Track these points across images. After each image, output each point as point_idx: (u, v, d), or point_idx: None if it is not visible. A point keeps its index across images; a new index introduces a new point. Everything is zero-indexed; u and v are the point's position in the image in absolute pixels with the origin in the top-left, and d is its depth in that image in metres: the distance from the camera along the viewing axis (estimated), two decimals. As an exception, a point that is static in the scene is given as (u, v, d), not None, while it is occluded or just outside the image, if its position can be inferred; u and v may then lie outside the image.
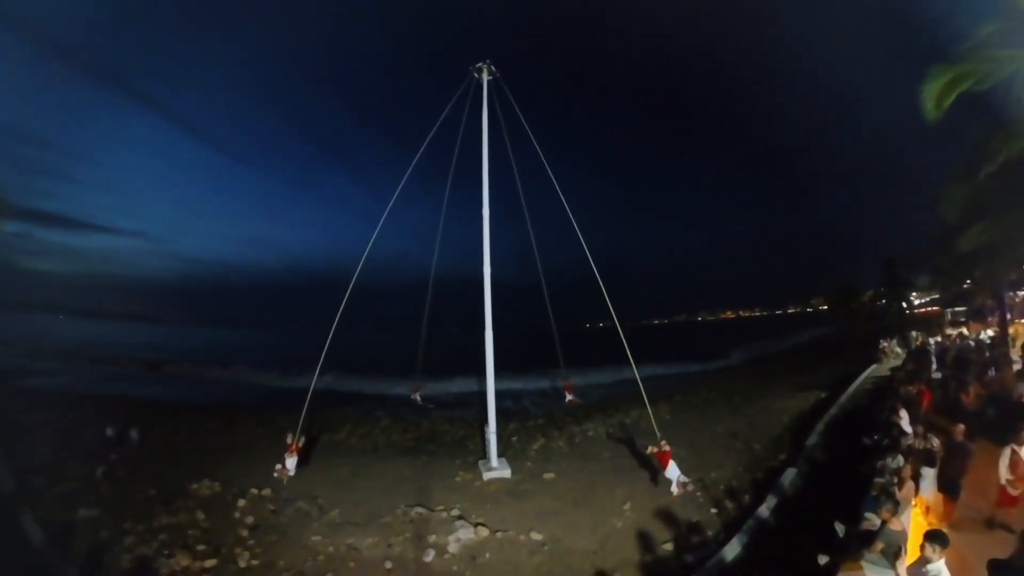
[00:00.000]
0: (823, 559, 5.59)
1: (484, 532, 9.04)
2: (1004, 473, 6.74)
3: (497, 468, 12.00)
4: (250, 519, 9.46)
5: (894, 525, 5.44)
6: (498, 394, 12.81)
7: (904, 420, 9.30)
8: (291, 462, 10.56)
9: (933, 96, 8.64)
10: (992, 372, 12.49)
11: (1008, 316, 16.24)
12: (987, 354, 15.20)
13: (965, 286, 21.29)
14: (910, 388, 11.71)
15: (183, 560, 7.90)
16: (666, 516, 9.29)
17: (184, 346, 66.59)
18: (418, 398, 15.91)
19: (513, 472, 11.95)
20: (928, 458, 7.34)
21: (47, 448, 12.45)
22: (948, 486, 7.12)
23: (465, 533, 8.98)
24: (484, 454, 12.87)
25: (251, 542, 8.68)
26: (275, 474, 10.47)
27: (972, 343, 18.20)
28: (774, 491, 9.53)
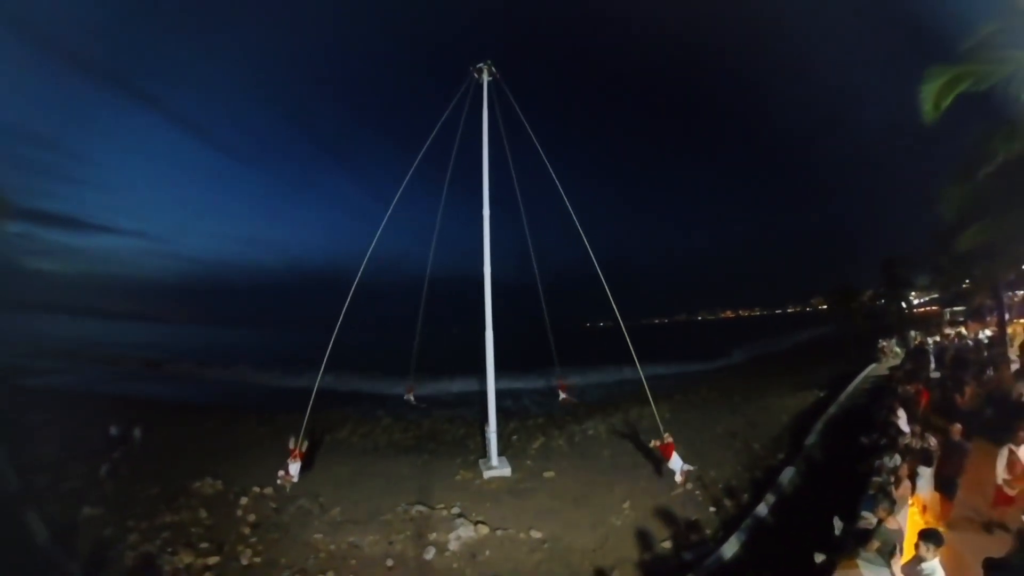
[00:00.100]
0: (819, 557, 5.64)
1: (484, 530, 9.10)
2: (1001, 473, 6.76)
3: (497, 467, 12.06)
4: (252, 517, 9.52)
5: (890, 524, 5.50)
6: (498, 393, 12.88)
7: (902, 419, 9.36)
8: (294, 468, 10.27)
9: (931, 97, 8.67)
10: (990, 372, 12.54)
11: (1006, 316, 16.28)
12: (985, 354, 15.26)
13: (964, 286, 21.33)
14: (908, 388, 11.77)
15: (186, 557, 7.96)
16: (665, 515, 9.35)
17: (185, 345, 66.69)
18: (412, 398, 15.93)
19: (513, 471, 12.01)
20: (925, 457, 7.40)
21: (51, 447, 12.51)
22: (945, 485, 7.17)
23: (465, 531, 9.03)
24: (484, 453, 12.93)
25: (253, 540, 8.75)
26: (278, 481, 10.26)
27: (970, 343, 18.26)
28: (773, 490, 9.58)
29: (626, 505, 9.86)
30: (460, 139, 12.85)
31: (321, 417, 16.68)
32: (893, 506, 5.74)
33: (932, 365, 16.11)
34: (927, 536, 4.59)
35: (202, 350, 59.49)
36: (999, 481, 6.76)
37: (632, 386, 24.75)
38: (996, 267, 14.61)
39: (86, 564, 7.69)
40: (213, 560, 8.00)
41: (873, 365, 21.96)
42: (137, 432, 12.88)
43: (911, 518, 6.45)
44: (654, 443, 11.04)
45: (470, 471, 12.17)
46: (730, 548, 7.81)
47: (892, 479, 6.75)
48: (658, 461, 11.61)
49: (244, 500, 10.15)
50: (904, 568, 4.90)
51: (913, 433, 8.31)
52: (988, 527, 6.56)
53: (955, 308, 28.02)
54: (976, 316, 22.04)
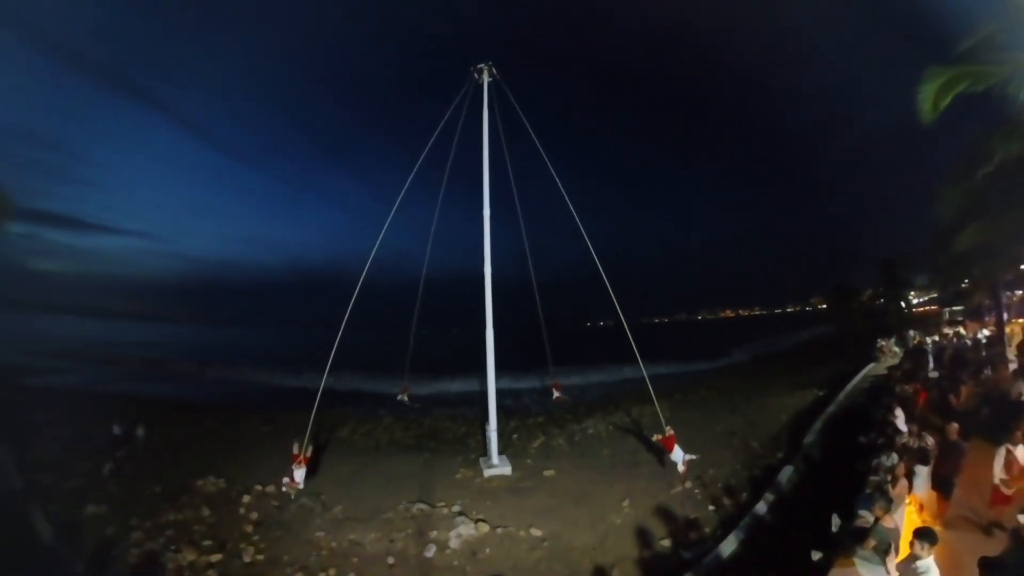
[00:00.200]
0: (817, 555, 5.70)
1: (485, 528, 9.16)
2: (998, 472, 6.79)
3: (498, 465, 12.12)
4: (255, 515, 9.58)
5: (887, 522, 5.54)
6: (499, 392, 12.94)
7: (900, 419, 9.40)
8: (299, 474, 9.92)
9: (929, 97, 8.72)
10: (988, 371, 12.59)
11: (1005, 315, 16.33)
12: (983, 353, 15.30)
13: (963, 286, 21.36)
14: (906, 387, 11.82)
15: (189, 555, 8.02)
16: (664, 513, 9.41)
17: (187, 345, 66.85)
18: (406, 398, 15.90)
19: (514, 469, 12.07)
20: (922, 456, 7.43)
21: (55, 446, 12.58)
22: (941, 484, 7.19)
23: (466, 529, 9.10)
24: (485, 451, 12.98)
25: (256, 537, 8.82)
26: (284, 488, 9.98)
27: (969, 342, 18.30)
28: (771, 489, 9.63)
29: (625, 503, 9.93)
30: (460, 140, 12.91)
31: (323, 416, 16.76)
32: (890, 505, 5.79)
33: (931, 365, 16.16)
34: (922, 535, 4.64)
35: (204, 350, 59.63)
36: (996, 481, 6.79)
37: (632, 385, 24.82)
38: (995, 267, 14.64)
39: (90, 562, 7.76)
40: (216, 558, 8.07)
41: (872, 364, 22.01)
42: (140, 431, 12.95)
43: (908, 517, 6.48)
44: (656, 437, 11.35)
45: (471, 469, 12.24)
46: (728, 546, 7.86)
47: (889, 478, 6.78)
48: (659, 459, 11.89)
49: (246, 498, 10.22)
50: (899, 566, 4.95)
51: (911, 432, 8.35)
52: (986, 527, 6.55)
53: (954, 308, 28.06)
54: (975, 316, 22.07)
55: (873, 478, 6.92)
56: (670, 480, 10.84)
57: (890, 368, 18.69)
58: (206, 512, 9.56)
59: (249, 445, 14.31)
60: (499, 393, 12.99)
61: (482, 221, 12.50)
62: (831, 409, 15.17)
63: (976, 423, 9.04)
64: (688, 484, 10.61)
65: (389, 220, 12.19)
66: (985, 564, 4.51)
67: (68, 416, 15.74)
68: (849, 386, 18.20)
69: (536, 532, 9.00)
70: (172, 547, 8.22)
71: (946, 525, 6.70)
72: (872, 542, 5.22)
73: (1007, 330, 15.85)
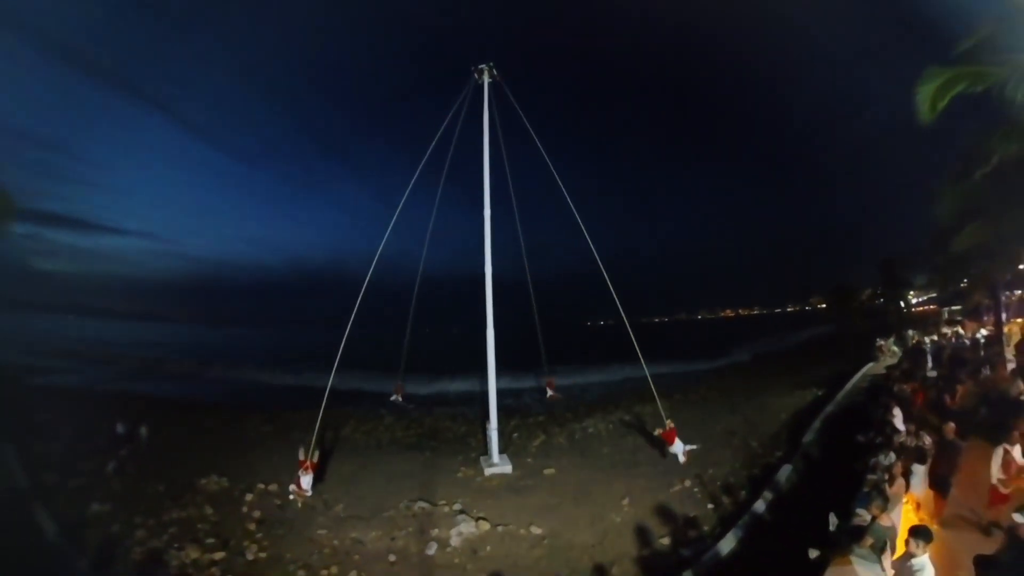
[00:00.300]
0: (814, 553, 5.74)
1: (485, 526, 9.23)
2: (996, 472, 6.80)
3: (498, 464, 12.19)
4: (257, 513, 9.64)
5: (884, 521, 5.58)
6: (499, 392, 13.01)
7: (898, 418, 9.45)
8: (306, 480, 9.64)
9: (928, 98, 8.75)
10: (986, 371, 12.65)
11: (1004, 315, 16.37)
12: (982, 353, 15.36)
13: (962, 285, 21.40)
14: (904, 387, 11.88)
15: (193, 553, 8.08)
16: (664, 511, 9.47)
17: (190, 344, 66.96)
18: (399, 398, 15.87)
19: (514, 468, 12.14)
20: (919, 456, 7.49)
21: (59, 445, 12.63)
22: (939, 483, 7.23)
23: (467, 527, 9.16)
24: (486, 450, 13.05)
25: (259, 535, 8.88)
26: (291, 496, 9.78)
27: (967, 342, 18.36)
28: (770, 487, 9.69)
29: (625, 502, 9.98)
30: (460, 140, 12.96)
31: (325, 415, 16.83)
32: (887, 504, 5.84)
33: (929, 364, 16.22)
34: (917, 533, 4.67)
35: (205, 349, 59.76)
36: (994, 481, 6.79)
37: (632, 384, 24.89)
38: (993, 267, 14.69)
39: (94, 560, 7.81)
40: (219, 555, 8.12)
41: (871, 364, 22.05)
42: (143, 430, 13.01)
43: (905, 515, 6.50)
44: (658, 431, 11.64)
45: (471, 468, 12.31)
46: (727, 544, 7.91)
47: (887, 477, 6.83)
48: (658, 458, 12.07)
49: (249, 497, 10.28)
50: (895, 564, 5.00)
51: (908, 432, 8.41)
52: (985, 527, 6.51)
53: (953, 307, 28.08)
54: (973, 315, 22.09)
55: (871, 477, 6.97)
56: (670, 479, 10.91)
57: (889, 368, 18.75)
58: (209, 510, 9.62)
59: (251, 444, 14.40)
60: (500, 392, 13.06)
61: (482, 221, 12.56)
62: (830, 408, 15.22)
63: (974, 423, 9.08)
64: (687, 483, 10.68)
65: (394, 221, 12.17)
66: (981, 562, 4.55)
67: (71, 415, 15.78)
68: (848, 385, 18.25)
69: (536, 530, 9.06)
70: (175, 545, 8.28)
71: (943, 524, 6.72)
72: (869, 540, 5.27)
73: (1005, 330, 15.88)
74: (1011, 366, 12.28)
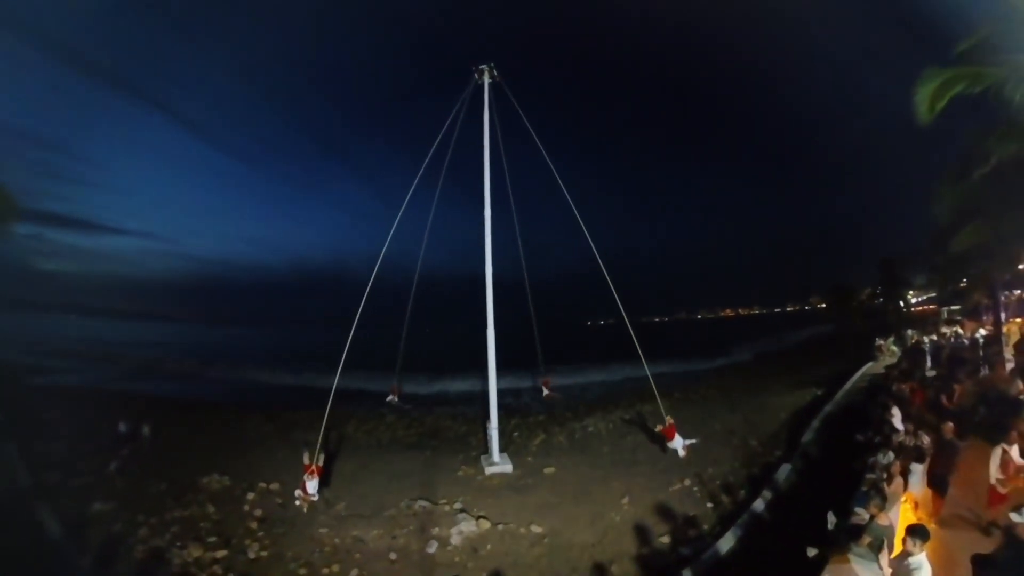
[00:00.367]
0: (812, 552, 5.79)
1: (486, 525, 9.27)
2: (994, 472, 6.81)
3: (499, 463, 12.23)
4: (259, 512, 9.69)
5: (882, 520, 5.61)
6: (500, 391, 13.06)
7: (896, 418, 9.49)
8: (312, 485, 9.35)
9: (926, 99, 8.80)
10: (985, 370, 12.68)
11: (1002, 315, 16.41)
12: (981, 352, 15.39)
13: (961, 285, 21.44)
14: (903, 386, 11.92)
15: (195, 551, 8.12)
16: (663, 510, 9.51)
17: (191, 344, 67.06)
18: (396, 399, 15.83)
19: (514, 467, 12.18)
20: (918, 455, 7.53)
21: (62, 444, 12.68)
22: (937, 482, 7.25)
23: (467, 526, 9.21)
24: (486, 449, 13.09)
25: (260, 534, 8.92)
26: (297, 502, 9.46)
27: (966, 342, 18.39)
28: (769, 486, 9.74)
29: (625, 501, 10.03)
30: (460, 140, 12.97)
31: (326, 415, 16.89)
32: (885, 503, 5.87)
33: (928, 364, 16.26)
34: (914, 531, 4.70)
35: (207, 349, 59.85)
36: (992, 481, 6.80)
37: (632, 384, 24.95)
38: (992, 266, 14.73)
39: (97, 558, 7.85)
40: (221, 554, 8.16)
41: (870, 364, 22.11)
42: (146, 429, 13.04)
43: (903, 514, 6.52)
44: (658, 427, 11.87)
45: (472, 467, 12.36)
46: (726, 543, 7.96)
47: (885, 476, 6.87)
48: (658, 457, 12.20)
49: (251, 495, 10.33)
50: (892, 562, 5.04)
51: (907, 431, 8.44)
52: (984, 528, 6.46)
53: (952, 307, 28.12)
54: (973, 315, 22.13)
55: (869, 476, 7.00)
56: (669, 478, 10.96)
57: (888, 367, 18.80)
58: (211, 509, 9.66)
59: (252, 443, 14.44)
60: (500, 392, 13.11)
61: (482, 221, 12.59)
62: (829, 408, 15.27)
63: (973, 422, 9.12)
64: (687, 482, 10.73)
65: (397, 221, 12.03)
66: (978, 561, 4.59)
67: (74, 415, 15.86)
68: (847, 385, 18.31)
69: (536, 529, 9.10)
70: (178, 543, 8.31)
71: (941, 523, 6.74)
72: (867, 539, 5.30)
73: (1004, 329, 15.92)
74: (1010, 366, 12.31)
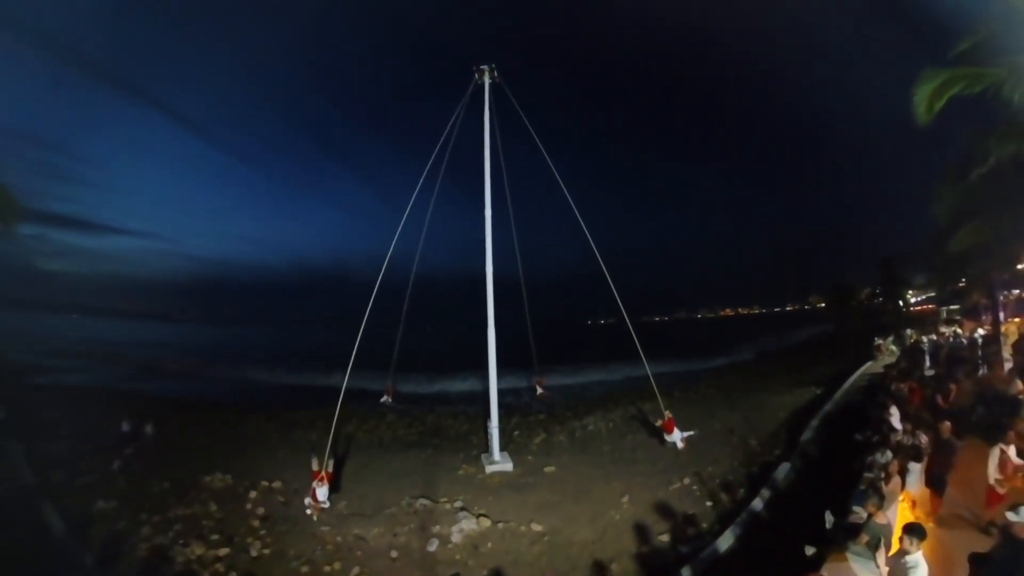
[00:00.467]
0: (810, 550, 5.83)
1: (486, 523, 9.33)
2: (992, 472, 6.81)
3: (499, 462, 12.28)
4: (261, 510, 9.74)
5: (879, 519, 5.66)
6: (500, 390, 13.09)
7: (895, 417, 9.54)
8: (322, 492, 9.01)
9: (924, 99, 8.81)
10: (984, 370, 12.71)
11: (1001, 315, 16.44)
12: (979, 352, 15.42)
13: (960, 285, 21.46)
14: (902, 386, 11.97)
15: (197, 549, 8.18)
16: (663, 509, 9.57)
17: (193, 344, 67.16)
18: (390, 399, 15.74)
19: (515, 465, 12.23)
20: (915, 454, 7.58)
21: (65, 443, 12.75)
22: (934, 482, 7.28)
23: (468, 524, 9.27)
24: (487, 448, 13.14)
25: (262, 532, 8.98)
26: (307, 511, 9.14)
27: (965, 341, 18.42)
28: (768, 485, 9.79)
29: (625, 499, 10.08)
30: (460, 141, 13.00)
31: (327, 414, 16.95)
32: (883, 501, 5.91)
33: (927, 363, 16.29)
34: (911, 530, 4.74)
35: (208, 348, 59.94)
36: (991, 481, 6.81)
37: (632, 383, 25.01)
38: (991, 266, 14.73)
39: (100, 556, 7.91)
40: (223, 552, 8.22)
41: (869, 363, 22.14)
42: (149, 428, 13.10)
43: (901, 513, 6.57)
44: (658, 422, 12.08)
45: (472, 466, 12.41)
46: (725, 541, 8.01)
47: (883, 475, 6.92)
48: (658, 456, 12.27)
49: (253, 494, 10.38)
50: (889, 561, 5.09)
51: (905, 430, 8.49)
52: (984, 528, 6.48)
53: (951, 307, 28.15)
54: (971, 315, 22.17)
55: (867, 475, 7.05)
56: (669, 476, 11.01)
57: (887, 367, 18.84)
58: (213, 507, 9.72)
59: (254, 442, 14.49)
60: (500, 391, 13.14)
61: (483, 221, 12.62)
62: (828, 407, 15.31)
63: (971, 422, 9.15)
64: (687, 480, 10.78)
65: (403, 222, 11.88)
66: (975, 560, 4.62)
67: (77, 414, 15.93)
68: (846, 384, 18.35)
69: (537, 527, 9.16)
70: (180, 541, 8.38)
71: (938, 522, 6.77)
72: (865, 538, 5.35)
73: (1003, 329, 15.91)
74: (1008, 365, 12.33)
